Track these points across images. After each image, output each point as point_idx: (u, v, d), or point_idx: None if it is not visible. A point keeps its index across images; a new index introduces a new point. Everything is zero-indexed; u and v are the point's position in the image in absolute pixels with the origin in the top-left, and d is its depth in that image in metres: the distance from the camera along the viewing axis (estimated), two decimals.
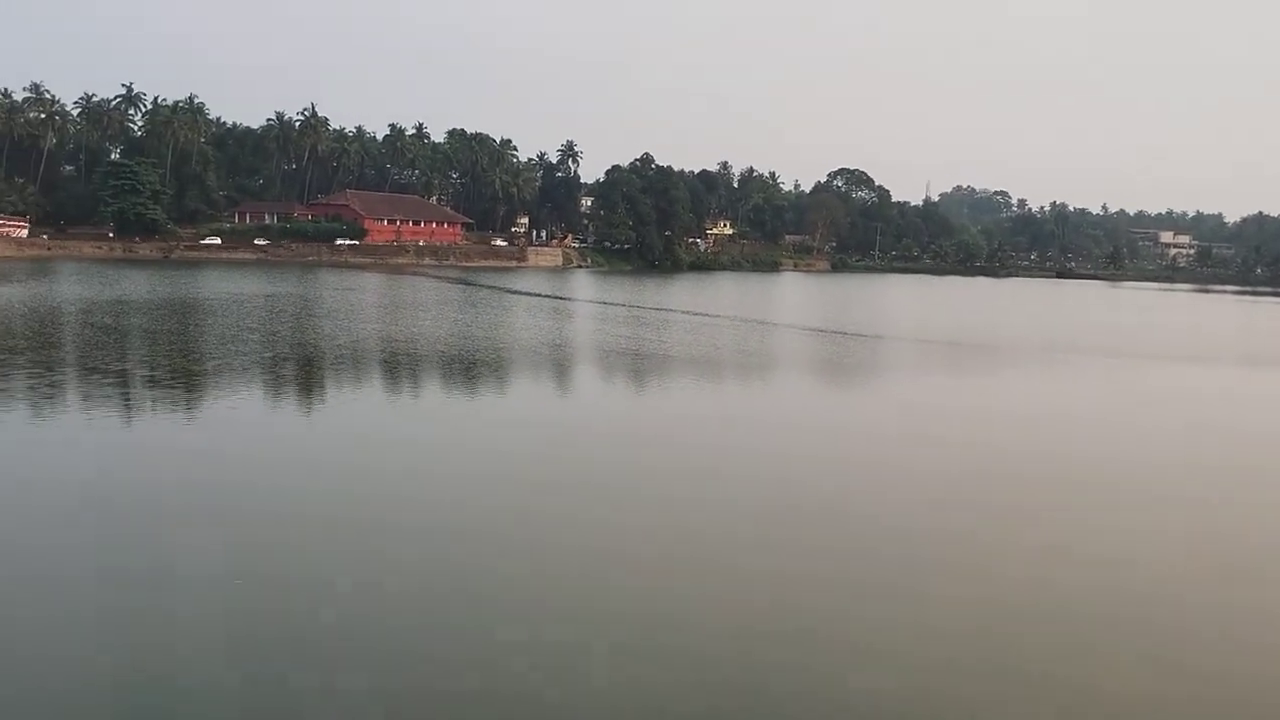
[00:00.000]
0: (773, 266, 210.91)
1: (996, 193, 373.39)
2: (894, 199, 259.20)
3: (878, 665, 15.01)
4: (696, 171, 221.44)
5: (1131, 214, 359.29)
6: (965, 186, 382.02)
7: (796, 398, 42.56)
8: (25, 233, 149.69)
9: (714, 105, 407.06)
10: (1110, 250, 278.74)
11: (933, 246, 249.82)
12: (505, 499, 22.94)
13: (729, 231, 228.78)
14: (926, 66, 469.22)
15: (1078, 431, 35.22)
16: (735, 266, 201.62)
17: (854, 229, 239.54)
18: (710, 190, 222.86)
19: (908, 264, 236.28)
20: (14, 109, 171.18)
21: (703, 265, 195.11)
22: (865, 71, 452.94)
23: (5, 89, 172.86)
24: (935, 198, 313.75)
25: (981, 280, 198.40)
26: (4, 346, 46.38)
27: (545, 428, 32.63)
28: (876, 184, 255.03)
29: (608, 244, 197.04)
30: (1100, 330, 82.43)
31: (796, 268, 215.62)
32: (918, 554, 20.15)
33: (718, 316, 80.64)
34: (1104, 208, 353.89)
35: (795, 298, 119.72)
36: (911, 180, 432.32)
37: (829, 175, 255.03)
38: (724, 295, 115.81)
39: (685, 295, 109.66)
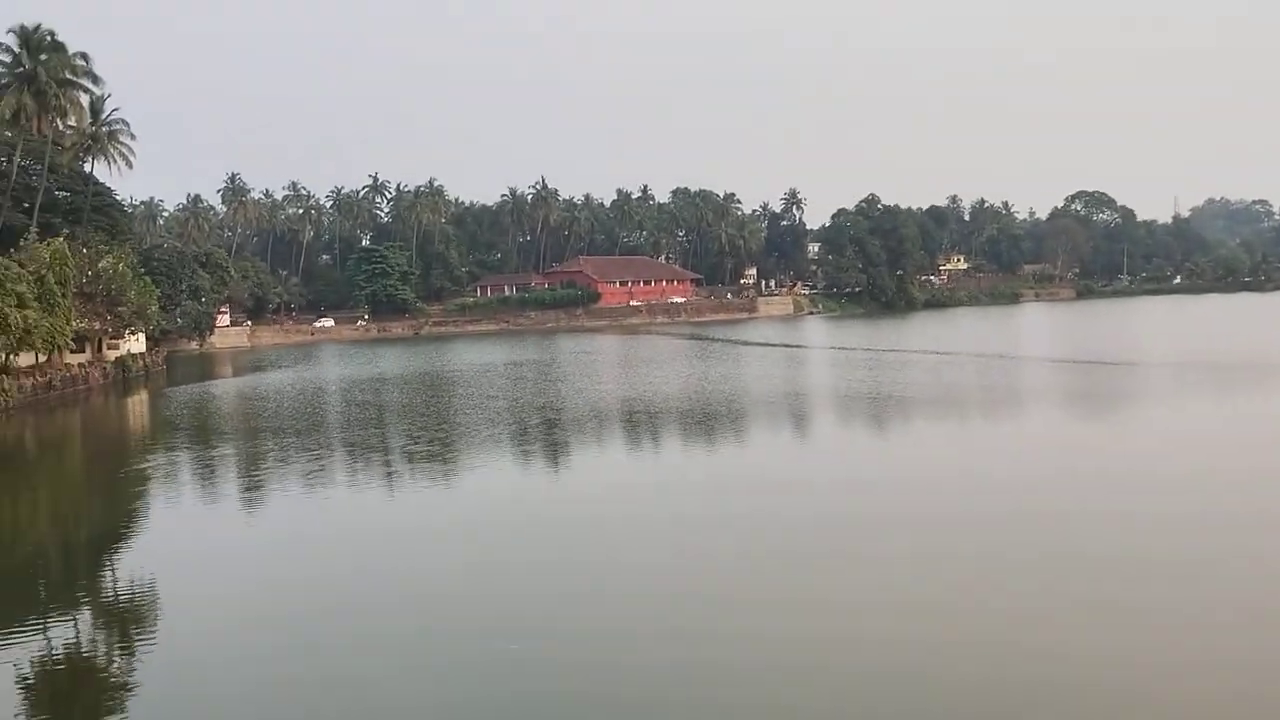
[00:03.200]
0: (1012, 298, 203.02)
1: (1255, 202, 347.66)
2: (1139, 218, 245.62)
3: None
4: (925, 208, 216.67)
5: None
6: (1219, 198, 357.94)
7: (1054, 436, 40.42)
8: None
9: (938, 137, 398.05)
10: None
11: (1187, 265, 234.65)
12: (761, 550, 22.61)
13: (963, 266, 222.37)
14: (1163, 75, 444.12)
15: None
16: (973, 301, 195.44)
17: (1097, 253, 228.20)
18: (940, 225, 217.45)
19: (1159, 285, 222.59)
20: (275, 207, 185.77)
21: (938, 303, 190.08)
22: (1094, 86, 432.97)
23: (267, 189, 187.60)
24: (1185, 213, 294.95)
25: (1247, 296, 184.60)
26: (279, 427, 49.81)
27: (791, 481, 32.12)
28: (1119, 204, 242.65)
29: (837, 289, 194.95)
30: None
31: (1039, 298, 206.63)
32: None
33: (958, 354, 78.05)
34: None
35: (1041, 328, 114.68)
36: (1157, 197, 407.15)
37: (1066, 199, 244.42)
38: (964, 331, 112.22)
39: (922, 334, 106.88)
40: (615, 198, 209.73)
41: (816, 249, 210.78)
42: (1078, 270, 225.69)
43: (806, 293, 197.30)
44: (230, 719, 14.44)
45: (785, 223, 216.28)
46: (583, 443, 41.50)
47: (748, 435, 41.81)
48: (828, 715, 14.41)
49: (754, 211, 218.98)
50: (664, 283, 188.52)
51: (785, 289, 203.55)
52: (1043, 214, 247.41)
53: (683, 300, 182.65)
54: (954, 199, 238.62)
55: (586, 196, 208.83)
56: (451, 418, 50.03)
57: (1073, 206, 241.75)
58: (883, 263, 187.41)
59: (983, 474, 31.31)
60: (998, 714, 14.25)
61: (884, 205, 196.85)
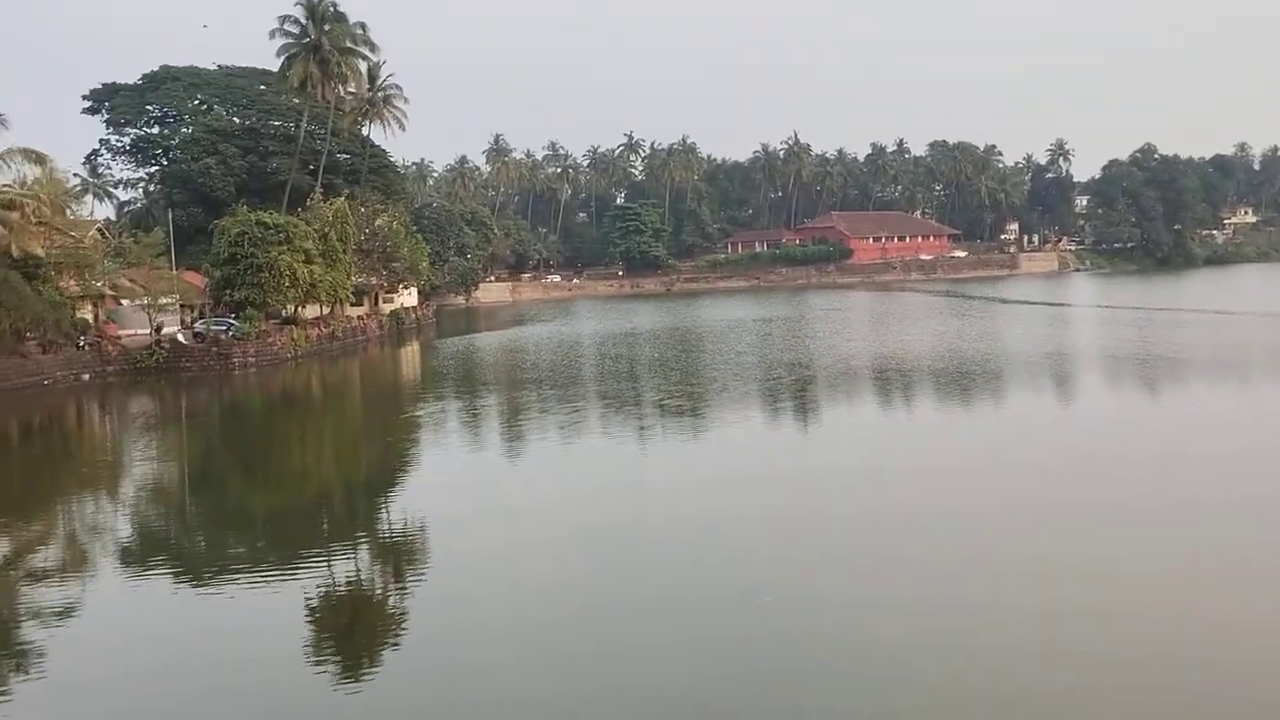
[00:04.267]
0: None
1: None
2: None
3: None
4: (1208, 157, 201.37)
5: None
6: None
7: None
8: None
9: (1224, 81, 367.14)
10: None
11: None
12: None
13: (1251, 220, 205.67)
14: None
15: None
16: (1262, 258, 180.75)
17: None
18: (1226, 176, 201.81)
19: None
20: (535, 166, 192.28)
21: (1221, 259, 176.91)
22: None
23: (528, 150, 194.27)
24: None
25: None
26: (539, 379, 51.86)
27: (1065, 443, 30.80)
28: None
29: (1106, 244, 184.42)
30: None
31: None
32: None
33: (1243, 313, 72.27)
34: None
35: None
36: None
37: None
38: (1250, 289, 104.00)
39: (1201, 292, 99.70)
40: (869, 151, 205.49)
41: (1084, 202, 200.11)
42: None
43: (1072, 249, 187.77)
44: (495, 652, 15.21)
45: (1050, 175, 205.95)
46: (833, 400, 41.12)
47: (1005, 396, 40.28)
48: None
49: (1016, 164, 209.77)
50: (919, 238, 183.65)
51: (1049, 245, 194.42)
52: None
53: (938, 256, 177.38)
54: (1242, 147, 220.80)
55: (840, 151, 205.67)
56: (702, 372, 50.58)
57: None
58: (1158, 216, 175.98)
59: None
60: None
61: (1161, 155, 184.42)
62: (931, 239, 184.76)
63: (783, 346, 62.39)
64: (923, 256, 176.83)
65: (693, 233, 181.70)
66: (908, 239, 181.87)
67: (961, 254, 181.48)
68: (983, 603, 16.54)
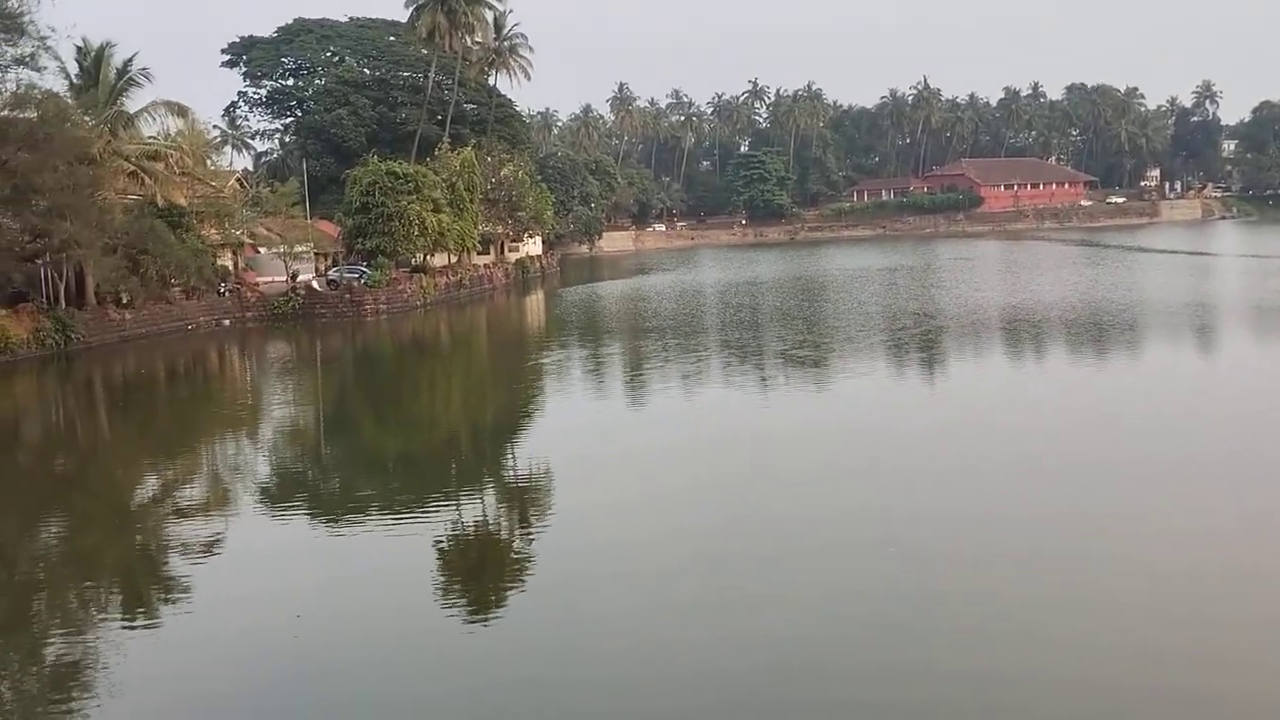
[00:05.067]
0: None
1: None
2: None
3: None
4: None
5: None
6: None
7: None
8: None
9: None
10: None
11: None
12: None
13: None
14: None
15: None
16: None
17: None
18: None
19: None
20: (659, 114, 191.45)
21: None
22: None
23: (652, 98, 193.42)
24: None
25: None
26: (660, 327, 52.06)
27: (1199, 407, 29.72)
28: None
29: (1255, 191, 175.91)
30: None
31: None
32: None
33: None
34: None
35: None
36: None
37: None
38: None
39: None
40: (1002, 96, 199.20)
41: (1232, 147, 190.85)
42: None
43: (1218, 195, 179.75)
44: (616, 599, 15.44)
45: (1195, 119, 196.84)
46: (960, 351, 40.33)
47: (1141, 349, 38.93)
48: None
49: (1159, 107, 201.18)
50: (1053, 185, 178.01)
51: (1193, 191, 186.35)
52: None
53: (1073, 204, 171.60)
54: None
55: (971, 96, 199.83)
56: (826, 322, 50.10)
57: None
58: None
59: None
60: None
61: None
62: (1066, 186, 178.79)
63: (909, 296, 61.34)
64: (1056, 204, 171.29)
65: (818, 181, 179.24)
66: (1041, 186, 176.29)
67: (1097, 202, 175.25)
68: (1125, 560, 16.09)
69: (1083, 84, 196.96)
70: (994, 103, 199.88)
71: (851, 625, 14.16)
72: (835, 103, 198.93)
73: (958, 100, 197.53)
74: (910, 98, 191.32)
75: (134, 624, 15.52)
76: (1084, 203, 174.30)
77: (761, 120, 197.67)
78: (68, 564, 19.19)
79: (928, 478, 21.34)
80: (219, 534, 19.95)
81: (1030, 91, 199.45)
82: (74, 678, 13.61)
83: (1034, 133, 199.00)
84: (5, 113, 47.55)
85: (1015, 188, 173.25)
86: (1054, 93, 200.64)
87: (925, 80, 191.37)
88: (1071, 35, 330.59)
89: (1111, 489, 19.96)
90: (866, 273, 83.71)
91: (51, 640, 15.07)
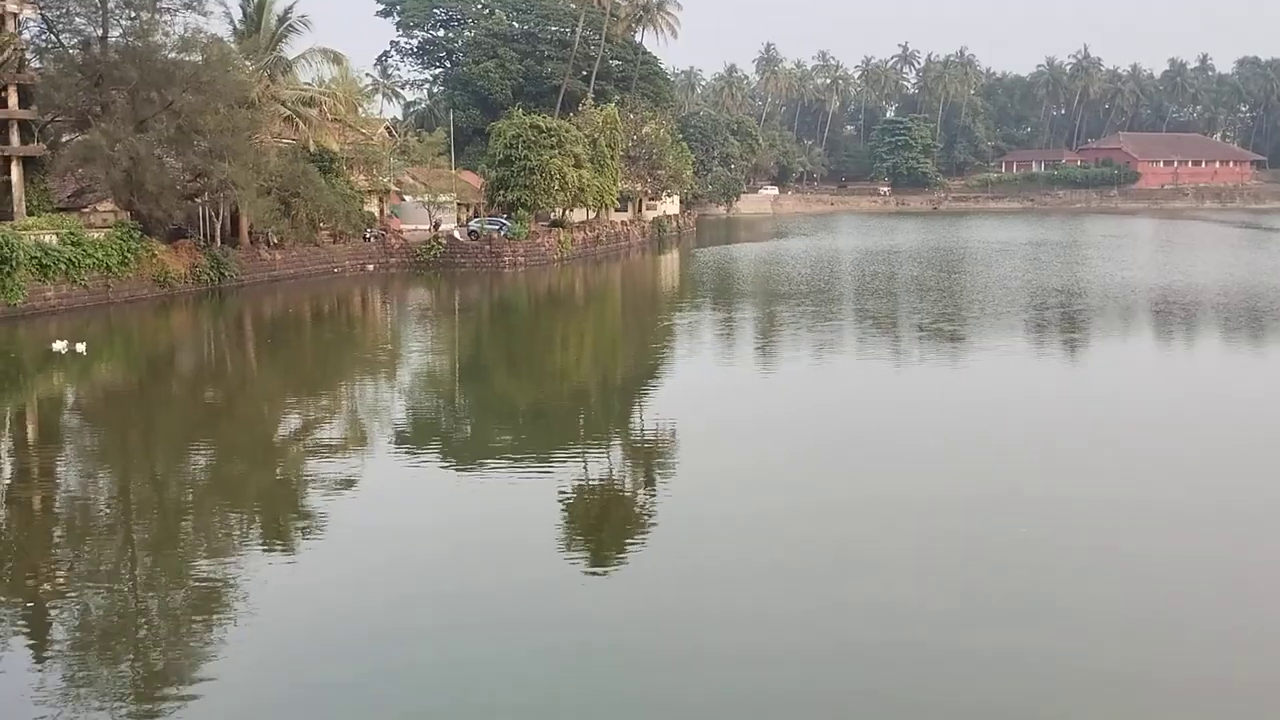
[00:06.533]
0: None
1: None
2: None
3: None
4: None
5: None
6: None
7: None
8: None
9: None
10: None
11: None
12: None
13: None
14: None
15: None
16: None
17: None
18: None
19: None
20: (805, 76, 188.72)
21: None
22: None
23: (799, 60, 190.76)
24: None
25: None
26: (794, 293, 51.66)
27: None
28: None
29: None
30: None
31: None
32: None
33: None
34: None
35: None
36: None
37: None
38: None
39: None
40: (1167, 68, 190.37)
41: None
42: None
43: None
44: (737, 562, 15.52)
45: None
46: (1104, 331, 39.04)
47: None
48: None
49: None
50: (1216, 164, 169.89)
51: None
52: None
53: (1238, 184, 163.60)
54: None
55: (1133, 67, 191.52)
56: (965, 295, 49.01)
57: None
58: None
59: None
60: None
61: None
62: (1231, 165, 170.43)
63: (1053, 272, 59.53)
64: (1219, 184, 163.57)
65: (965, 150, 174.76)
66: (1203, 164, 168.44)
67: (1265, 183, 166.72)
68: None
69: (1255, 58, 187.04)
70: (1157, 75, 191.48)
71: (974, 598, 13.92)
72: (988, 70, 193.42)
73: (1119, 71, 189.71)
74: (1068, 67, 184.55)
75: (272, 551, 16.25)
76: (1250, 183, 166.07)
77: (909, 85, 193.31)
78: (213, 491, 20.15)
79: (1064, 459, 20.82)
80: (355, 471, 20.66)
81: (1198, 64, 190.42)
82: (215, 599, 14.33)
83: (1199, 108, 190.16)
84: (173, 55, 49.50)
85: (1175, 164, 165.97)
86: (1223, 66, 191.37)
87: (1085, 49, 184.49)
88: (1245, 5, 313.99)
89: (1245, 479, 19.17)
90: (1011, 246, 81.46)
91: (196, 562, 15.88)
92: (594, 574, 15.29)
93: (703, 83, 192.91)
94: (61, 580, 15.11)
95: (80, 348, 32.73)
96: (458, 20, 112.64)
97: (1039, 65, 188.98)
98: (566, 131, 70.54)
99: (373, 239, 65.24)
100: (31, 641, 13.04)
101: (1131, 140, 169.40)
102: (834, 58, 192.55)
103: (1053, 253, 74.96)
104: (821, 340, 36.61)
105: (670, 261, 78.49)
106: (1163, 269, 61.98)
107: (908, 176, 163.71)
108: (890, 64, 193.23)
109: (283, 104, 58.65)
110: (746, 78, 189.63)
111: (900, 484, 19.19)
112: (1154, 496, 18.44)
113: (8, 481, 20.90)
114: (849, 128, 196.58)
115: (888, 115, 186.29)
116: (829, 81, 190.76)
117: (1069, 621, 13.31)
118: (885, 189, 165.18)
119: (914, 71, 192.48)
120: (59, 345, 32.80)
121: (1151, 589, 14.41)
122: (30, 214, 46.40)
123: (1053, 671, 11.94)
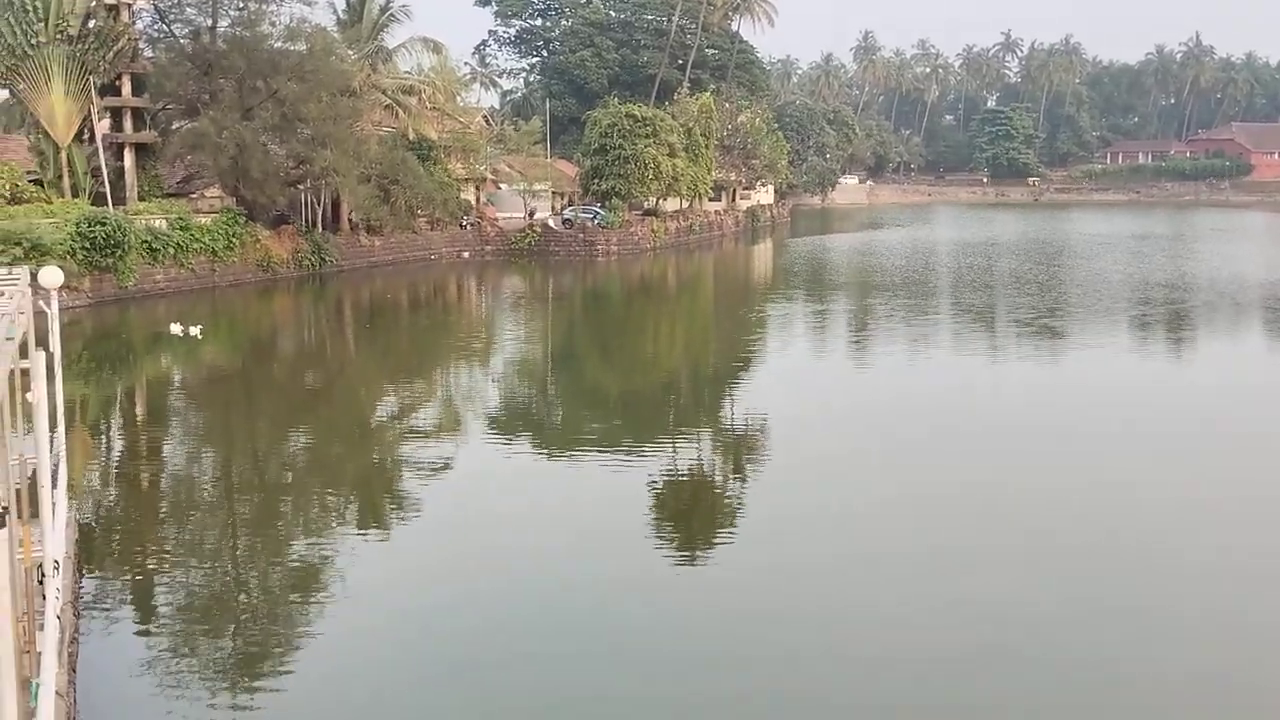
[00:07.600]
0: None
1: None
2: None
3: None
4: None
5: None
6: None
7: None
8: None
9: None
10: None
11: None
12: None
13: None
14: None
15: None
16: None
17: None
18: None
19: None
20: (903, 65, 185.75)
21: None
22: None
23: (898, 48, 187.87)
24: None
25: None
26: (889, 284, 51.07)
27: None
28: None
29: None
30: None
31: None
32: None
33: None
34: None
35: None
36: None
37: None
38: None
39: None
40: None
41: None
42: None
43: None
44: (827, 556, 15.44)
45: None
46: (1210, 328, 37.90)
47: None
48: None
49: None
50: None
51: None
52: None
53: None
54: None
55: (1248, 55, 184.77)
56: (1065, 289, 47.93)
57: None
58: None
59: None
60: None
61: None
62: None
63: (1158, 267, 57.87)
64: None
65: (1068, 140, 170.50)
66: None
67: None
68: None
69: None
70: (1274, 63, 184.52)
71: (1070, 601, 13.63)
72: (1094, 58, 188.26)
73: (1232, 59, 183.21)
74: (1179, 55, 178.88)
75: (367, 532, 16.61)
76: None
77: (1011, 74, 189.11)
78: (311, 471, 20.65)
79: (1158, 456, 20.31)
80: (449, 456, 21.00)
81: None
82: (313, 577, 14.70)
83: None
84: (278, 45, 50.66)
85: None
86: None
87: (1197, 36, 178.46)
88: None
89: None
90: (1115, 239, 79.36)
91: (294, 541, 16.30)
92: (681, 569, 15.33)
93: (799, 72, 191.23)
94: (168, 554, 15.62)
95: (195, 330, 33.69)
96: (555, 9, 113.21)
97: (1148, 54, 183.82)
98: (661, 121, 70.51)
99: (469, 227, 66.03)
100: (137, 613, 13.52)
101: (1244, 131, 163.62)
102: (934, 46, 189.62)
103: (1157, 246, 72.89)
104: (916, 334, 36.14)
105: (763, 251, 78.10)
106: (1272, 265, 59.90)
107: (1008, 167, 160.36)
108: (992, 52, 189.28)
109: (383, 92, 59.64)
110: (843, 66, 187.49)
111: (1001, 481, 18.93)
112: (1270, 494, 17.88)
113: (143, 456, 21.72)
114: (948, 117, 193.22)
115: (988, 105, 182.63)
116: (928, 70, 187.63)
117: (1179, 629, 13.00)
118: (985, 179, 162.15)
119: (1016, 60, 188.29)
120: (175, 328, 33.82)
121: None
122: (141, 199, 47.88)
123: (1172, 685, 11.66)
